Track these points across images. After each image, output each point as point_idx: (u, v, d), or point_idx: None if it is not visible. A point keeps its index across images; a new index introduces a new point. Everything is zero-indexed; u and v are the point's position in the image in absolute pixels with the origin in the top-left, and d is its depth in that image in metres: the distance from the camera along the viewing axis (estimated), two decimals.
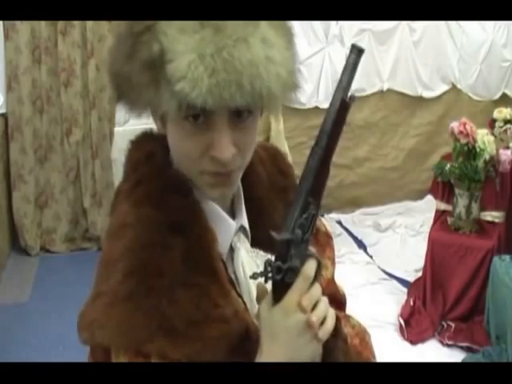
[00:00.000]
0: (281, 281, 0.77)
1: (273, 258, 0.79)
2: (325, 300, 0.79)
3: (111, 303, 0.75)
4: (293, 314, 0.76)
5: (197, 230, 0.81)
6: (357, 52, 0.74)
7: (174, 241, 0.79)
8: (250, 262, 0.87)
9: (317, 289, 0.78)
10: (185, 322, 0.76)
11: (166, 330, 0.75)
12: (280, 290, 0.77)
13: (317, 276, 0.78)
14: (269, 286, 0.79)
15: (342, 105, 0.74)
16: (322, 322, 0.77)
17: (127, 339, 0.75)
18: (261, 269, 0.80)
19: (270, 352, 0.77)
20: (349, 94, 0.74)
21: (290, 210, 0.77)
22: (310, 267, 0.77)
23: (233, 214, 0.89)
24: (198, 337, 0.76)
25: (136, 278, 0.76)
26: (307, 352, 0.78)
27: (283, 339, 0.76)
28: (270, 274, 0.77)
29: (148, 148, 0.86)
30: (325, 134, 0.75)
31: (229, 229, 0.86)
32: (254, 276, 0.78)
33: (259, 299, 0.81)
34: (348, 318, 0.98)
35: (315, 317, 0.76)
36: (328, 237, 1.02)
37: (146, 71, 0.72)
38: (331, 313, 0.79)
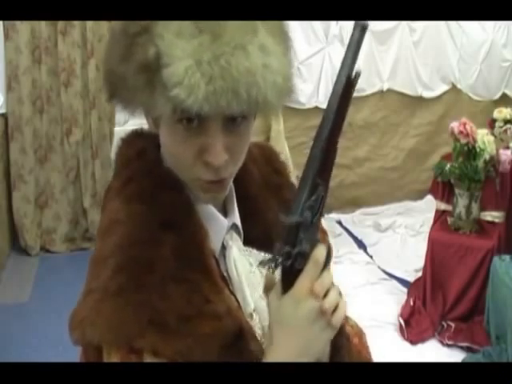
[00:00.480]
0: (290, 267, 0.74)
1: (265, 259, 0.77)
2: (336, 286, 0.77)
3: (101, 299, 0.75)
4: (305, 301, 0.73)
5: (189, 226, 0.81)
6: (360, 28, 0.73)
7: (166, 237, 0.78)
8: (242, 260, 0.86)
9: (328, 275, 0.75)
10: (176, 317, 0.75)
11: (157, 325, 0.74)
12: (290, 277, 0.74)
13: (327, 261, 0.75)
14: (277, 275, 0.77)
15: (348, 82, 0.73)
16: (334, 310, 0.75)
17: (118, 335, 0.74)
18: (254, 267, 0.79)
19: (283, 343, 0.75)
20: (353, 70, 0.73)
21: (298, 192, 0.74)
22: (320, 252, 0.74)
23: (225, 213, 0.88)
24: (190, 332, 0.75)
25: (126, 273, 0.75)
26: (321, 340, 0.76)
27: (296, 328, 0.74)
28: (279, 260, 0.74)
29: (139, 145, 0.86)
30: (331, 113, 0.73)
31: (221, 227, 0.86)
32: (263, 263, 0.76)
33: (267, 290, 0.78)
34: (346, 318, 0.97)
35: (328, 303, 0.74)
36: (324, 233, 1.01)
37: (142, 73, 0.71)
38: (343, 300, 0.77)
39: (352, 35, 0.74)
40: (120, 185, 0.84)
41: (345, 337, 0.86)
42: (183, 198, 0.82)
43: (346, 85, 0.73)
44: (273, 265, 0.75)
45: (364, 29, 0.73)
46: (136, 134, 0.89)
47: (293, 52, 0.79)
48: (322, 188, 0.74)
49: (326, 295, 0.74)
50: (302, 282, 0.74)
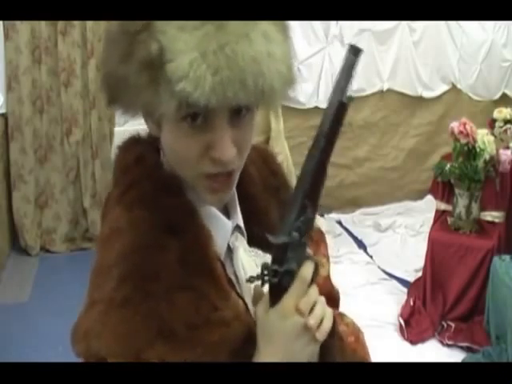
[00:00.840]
0: (278, 284, 0.76)
1: (269, 260, 0.78)
2: (322, 301, 0.78)
3: (106, 311, 0.73)
4: (290, 317, 0.75)
5: (192, 230, 0.80)
6: (353, 52, 0.73)
7: (170, 242, 0.77)
8: (249, 261, 0.86)
9: (314, 291, 0.77)
10: (184, 326, 0.74)
11: (165, 336, 0.73)
12: (277, 293, 0.77)
13: (313, 278, 0.77)
14: (265, 288, 0.78)
15: (340, 106, 0.73)
16: (320, 324, 0.77)
17: (126, 347, 0.72)
18: (260, 269, 0.80)
19: (268, 355, 0.76)
20: (346, 95, 0.73)
21: (287, 212, 0.76)
22: (306, 270, 0.76)
23: (227, 214, 0.87)
24: (199, 341, 0.75)
25: (132, 283, 0.74)
26: (305, 354, 0.77)
27: (281, 342, 0.76)
28: (266, 278, 0.77)
29: (137, 151, 0.84)
30: (322, 136, 0.74)
31: (225, 228, 0.85)
32: (251, 279, 0.78)
33: (256, 301, 0.80)
34: (342, 316, 0.98)
35: (313, 320, 0.75)
36: (321, 233, 1.01)
37: (144, 71, 0.70)
38: (328, 313, 0.78)
39: (345, 58, 0.73)
40: (120, 192, 0.82)
41: (337, 337, 0.86)
42: (185, 201, 0.81)
43: (338, 109, 0.73)
44: (260, 282, 0.77)
45: (357, 52, 0.73)
46: (133, 140, 0.87)
47: (291, 41, 0.78)
48: (310, 210, 0.76)
49: (312, 310, 0.76)
50: (289, 299, 0.76)
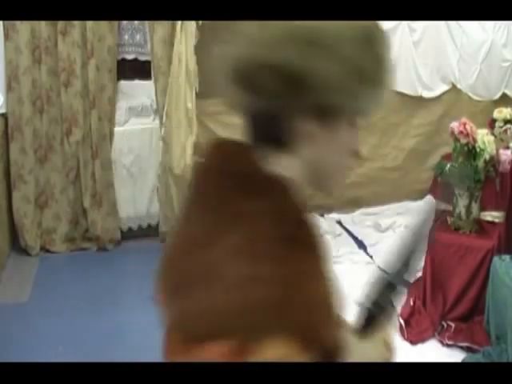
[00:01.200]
0: (373, 315, 0.90)
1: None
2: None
3: (272, 290, 0.72)
4: (380, 348, 0.90)
5: (308, 228, 0.82)
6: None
7: (299, 237, 0.79)
8: None
9: (394, 332, 0.87)
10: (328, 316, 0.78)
11: (323, 318, 0.76)
12: (371, 322, 0.90)
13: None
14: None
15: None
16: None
17: (297, 325, 0.72)
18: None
19: None
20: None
21: (395, 261, 0.92)
22: (395, 310, 0.90)
23: None
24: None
25: (287, 264, 0.74)
26: None
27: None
28: (369, 307, 0.90)
29: (245, 158, 0.82)
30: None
31: None
32: (357, 305, 0.91)
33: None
34: None
35: (393, 356, 0.89)
36: None
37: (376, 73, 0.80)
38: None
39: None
40: (234, 183, 0.80)
41: None
42: (299, 199, 0.83)
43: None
44: (363, 310, 0.91)
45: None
46: (235, 145, 0.84)
47: None
48: (413, 260, 0.93)
49: (392, 349, 0.92)
50: (383, 332, 0.91)
